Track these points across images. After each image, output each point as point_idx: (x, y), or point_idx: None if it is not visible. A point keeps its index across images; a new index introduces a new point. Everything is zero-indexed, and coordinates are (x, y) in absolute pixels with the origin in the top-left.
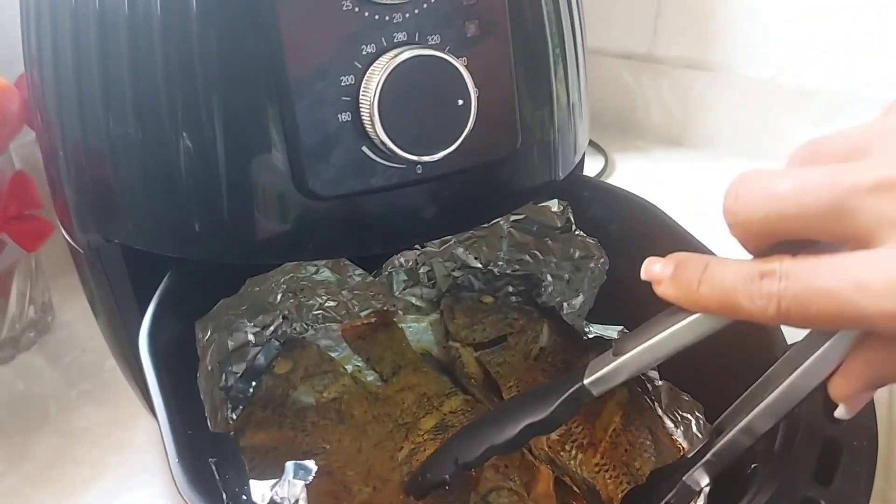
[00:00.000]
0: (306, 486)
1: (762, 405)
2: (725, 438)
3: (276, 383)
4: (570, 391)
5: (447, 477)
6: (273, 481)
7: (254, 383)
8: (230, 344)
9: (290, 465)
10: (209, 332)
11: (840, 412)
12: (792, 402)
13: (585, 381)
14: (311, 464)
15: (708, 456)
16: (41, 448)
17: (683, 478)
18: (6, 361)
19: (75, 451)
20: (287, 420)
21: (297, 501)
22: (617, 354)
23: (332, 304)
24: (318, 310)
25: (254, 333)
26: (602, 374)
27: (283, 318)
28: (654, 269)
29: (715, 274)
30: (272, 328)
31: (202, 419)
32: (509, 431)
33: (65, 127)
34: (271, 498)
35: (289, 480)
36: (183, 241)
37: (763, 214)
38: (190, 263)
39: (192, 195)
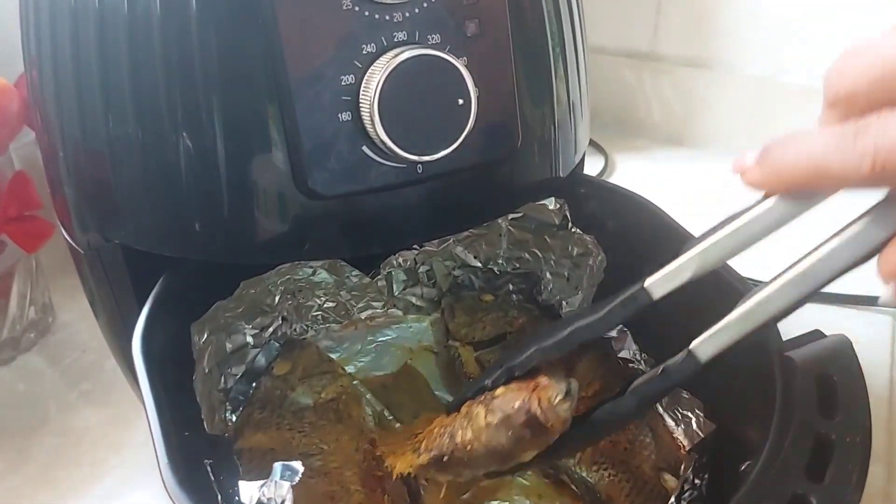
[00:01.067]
0: (293, 486)
1: (790, 276)
2: (742, 309)
3: (275, 384)
4: (630, 292)
5: (488, 382)
6: (261, 482)
7: (254, 385)
8: (228, 346)
9: (277, 465)
10: (205, 335)
11: (886, 295)
12: (824, 276)
13: (645, 285)
14: (297, 465)
15: (720, 324)
16: (41, 448)
17: (691, 346)
18: (6, 362)
19: (75, 451)
20: (285, 421)
21: (283, 502)
22: (681, 253)
23: (330, 304)
24: (317, 311)
25: (252, 335)
26: (662, 276)
27: (283, 319)
28: (745, 160)
29: (803, 143)
30: (271, 329)
31: (197, 421)
32: (559, 333)
33: (64, 127)
34: (258, 499)
35: (275, 481)
36: (183, 241)
37: (869, 79)
38: (187, 264)
39: (193, 195)
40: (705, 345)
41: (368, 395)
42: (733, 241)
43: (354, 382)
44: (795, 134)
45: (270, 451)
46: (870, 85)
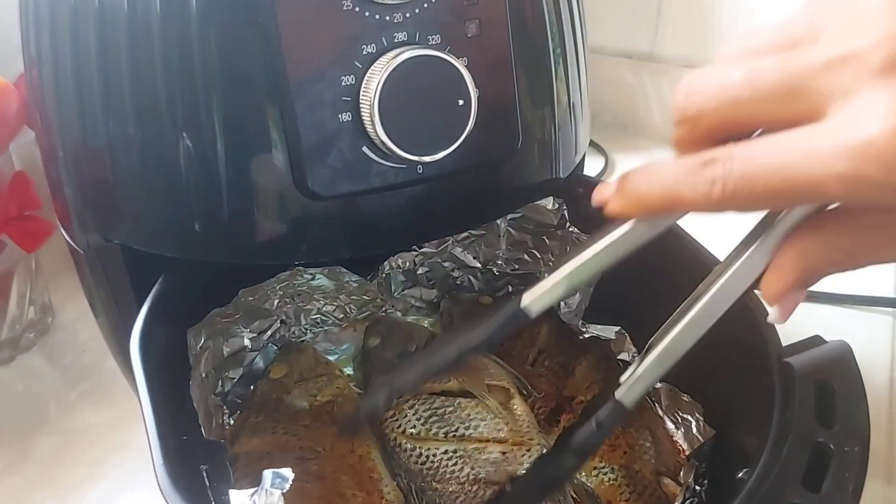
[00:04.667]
0: (283, 494)
1: (690, 316)
2: (655, 353)
3: (271, 388)
4: (509, 314)
5: (380, 402)
6: (252, 490)
7: (252, 388)
8: (226, 350)
9: (267, 473)
10: (202, 340)
11: (773, 315)
12: (719, 311)
13: (522, 305)
14: (287, 472)
15: (639, 371)
16: (41, 448)
17: (616, 395)
18: (6, 362)
19: (75, 451)
20: (280, 425)
21: None
22: (552, 271)
23: (329, 308)
24: (316, 314)
25: (250, 339)
26: (538, 295)
27: (281, 322)
28: (605, 191)
29: (657, 172)
30: (269, 333)
31: (195, 425)
32: (446, 354)
33: (64, 127)
34: None
35: (266, 489)
36: (183, 241)
37: (716, 104)
38: (186, 265)
39: (193, 195)
40: (629, 392)
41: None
42: (600, 260)
43: (351, 384)
44: (651, 164)
45: (266, 455)
46: (715, 111)
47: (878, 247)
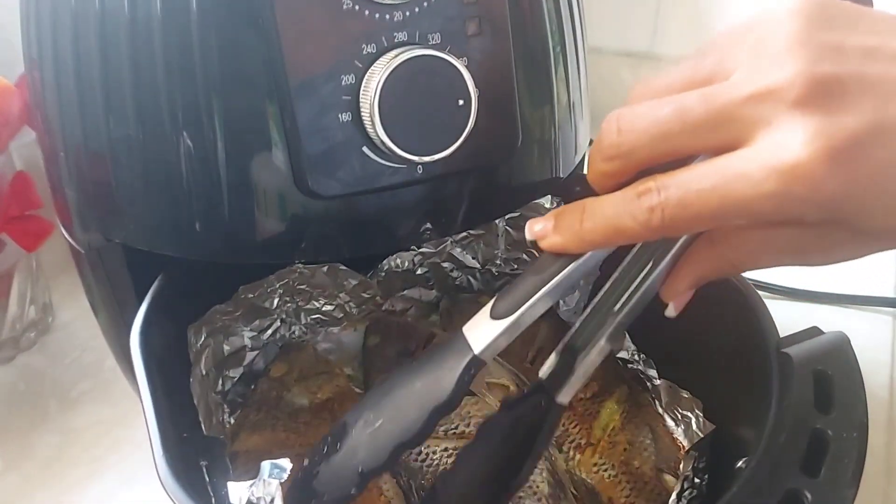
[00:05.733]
0: (281, 484)
1: (618, 320)
2: (589, 354)
3: (271, 386)
4: (465, 366)
5: (354, 491)
6: (250, 482)
7: (252, 387)
8: (226, 349)
9: (265, 464)
10: (203, 337)
11: (670, 311)
12: (635, 314)
13: (476, 352)
14: (285, 462)
15: (574, 378)
16: (41, 447)
17: (557, 398)
18: (7, 361)
19: (75, 449)
20: (280, 422)
21: (272, 500)
22: (498, 317)
23: (329, 307)
24: (315, 313)
25: (250, 338)
26: (491, 340)
27: (281, 321)
28: (536, 227)
29: (595, 209)
30: (270, 332)
31: (194, 421)
32: (416, 423)
33: (65, 127)
34: (248, 498)
35: (264, 480)
36: (183, 241)
37: (649, 138)
38: (187, 263)
39: (193, 195)
40: (564, 394)
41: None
42: (546, 300)
43: (352, 384)
44: (585, 200)
45: (267, 452)
46: (647, 146)
47: (759, 259)
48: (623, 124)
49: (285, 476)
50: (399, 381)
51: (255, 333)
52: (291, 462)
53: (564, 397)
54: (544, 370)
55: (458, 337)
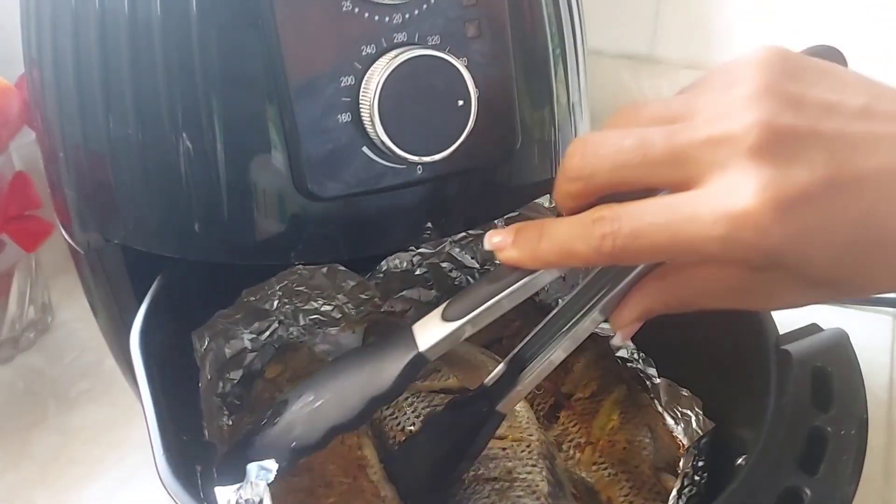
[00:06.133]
0: (269, 484)
1: (562, 343)
2: (534, 371)
3: (265, 387)
4: (408, 361)
5: (284, 464)
6: (237, 485)
7: (249, 389)
8: (227, 352)
9: (251, 466)
10: (206, 342)
11: (617, 340)
12: (582, 338)
13: (422, 350)
14: (271, 463)
15: (514, 390)
16: (40, 447)
17: (497, 407)
18: (6, 361)
19: (74, 449)
20: None
21: (260, 501)
22: (449, 319)
23: (327, 308)
24: (314, 314)
25: (250, 339)
26: (438, 341)
27: (280, 322)
28: (495, 239)
29: (552, 230)
30: (268, 333)
31: (193, 425)
32: (353, 409)
33: (65, 127)
34: (236, 500)
35: (251, 482)
36: (183, 241)
37: (609, 166)
38: (185, 264)
39: (193, 196)
40: (505, 405)
41: None
42: (498, 309)
43: None
44: (544, 220)
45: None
46: (608, 172)
47: (704, 299)
48: (588, 148)
49: (272, 477)
50: (344, 367)
51: (254, 335)
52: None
53: (504, 407)
54: (490, 378)
55: (406, 333)
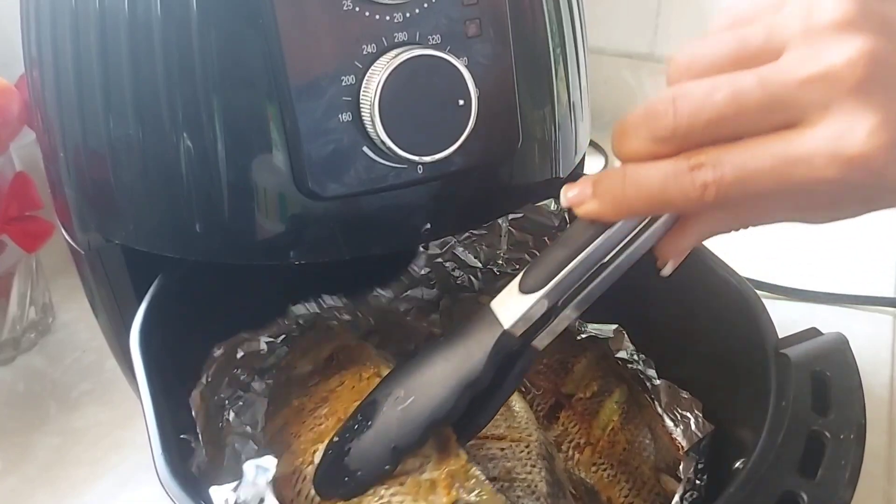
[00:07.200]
0: (269, 483)
1: (606, 273)
2: (571, 307)
3: (279, 374)
4: (496, 341)
5: (388, 467)
6: (234, 484)
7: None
8: (239, 353)
9: (248, 465)
10: (220, 351)
11: (667, 270)
12: (626, 266)
13: (506, 327)
14: (268, 461)
15: (554, 322)
16: (41, 448)
17: (532, 342)
18: (7, 362)
19: (75, 450)
20: (292, 395)
21: (262, 500)
22: (526, 291)
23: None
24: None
25: (266, 342)
26: (521, 315)
27: (297, 324)
28: (570, 193)
29: (639, 175)
30: (285, 336)
31: (191, 422)
32: (448, 400)
33: (65, 128)
34: (235, 500)
35: (250, 482)
36: (183, 241)
37: (705, 122)
38: (185, 264)
39: (193, 196)
40: (542, 339)
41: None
42: (580, 269)
43: (350, 334)
44: (628, 166)
45: (283, 426)
46: (703, 128)
47: (769, 217)
48: (679, 107)
49: (270, 475)
50: (429, 358)
51: (272, 339)
52: (307, 424)
53: (540, 342)
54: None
55: (486, 312)
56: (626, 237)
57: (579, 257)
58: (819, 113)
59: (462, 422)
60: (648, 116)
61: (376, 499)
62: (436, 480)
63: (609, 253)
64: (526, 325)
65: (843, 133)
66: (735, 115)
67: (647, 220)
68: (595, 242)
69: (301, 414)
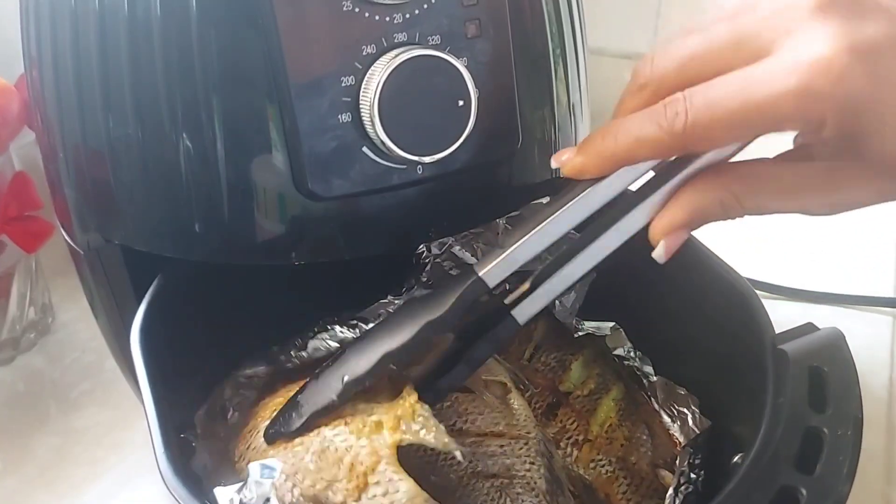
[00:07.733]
0: (273, 483)
1: (591, 248)
2: (553, 280)
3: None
4: (467, 285)
5: (335, 398)
6: (239, 484)
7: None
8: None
9: (253, 466)
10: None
11: (659, 252)
12: (615, 244)
13: (480, 274)
14: (275, 462)
15: (537, 293)
16: (41, 448)
17: (511, 312)
18: (7, 362)
19: (75, 451)
20: (279, 380)
21: (267, 500)
22: (504, 246)
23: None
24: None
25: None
26: (494, 264)
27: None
28: (563, 157)
29: (618, 125)
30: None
31: (191, 422)
32: (405, 334)
33: (65, 128)
34: (240, 500)
35: (256, 481)
36: (183, 241)
37: (678, 64)
38: (185, 264)
39: (193, 196)
40: (523, 311)
41: None
42: (553, 229)
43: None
44: (610, 122)
45: (275, 395)
46: (677, 69)
47: (762, 196)
48: (655, 57)
49: (276, 475)
50: (406, 305)
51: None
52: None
53: (520, 314)
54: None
55: (467, 269)
56: (609, 197)
57: (559, 212)
58: (782, 39)
59: (429, 380)
60: (632, 74)
61: (319, 438)
62: (382, 422)
63: (592, 210)
64: (500, 276)
65: (803, 45)
66: (705, 51)
67: (632, 185)
68: (577, 198)
69: (289, 385)
